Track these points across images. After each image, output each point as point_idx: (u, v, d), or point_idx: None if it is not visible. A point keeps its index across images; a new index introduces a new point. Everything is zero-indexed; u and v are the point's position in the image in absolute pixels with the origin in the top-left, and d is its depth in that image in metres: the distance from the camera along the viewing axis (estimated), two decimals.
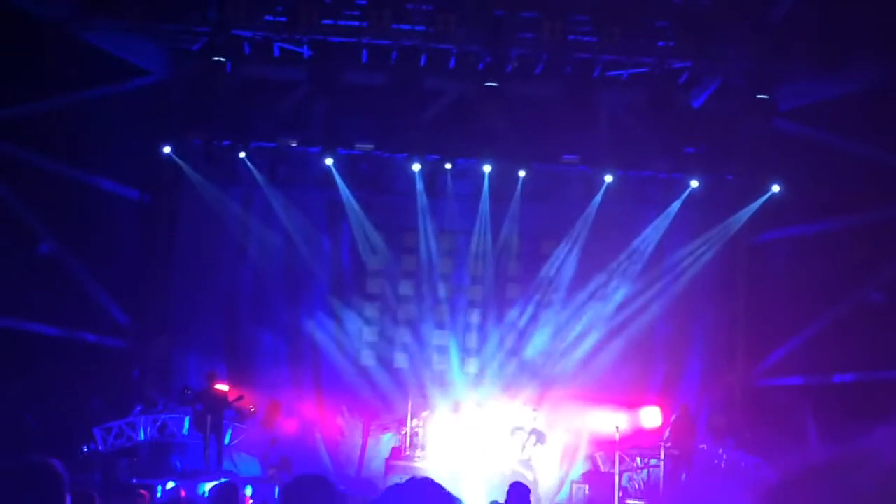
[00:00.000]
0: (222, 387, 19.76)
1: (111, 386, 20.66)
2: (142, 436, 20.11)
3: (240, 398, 19.87)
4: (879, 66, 19.26)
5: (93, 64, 19.97)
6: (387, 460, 19.91)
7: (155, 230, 22.04)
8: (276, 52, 20.95)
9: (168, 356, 21.28)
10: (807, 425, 19.85)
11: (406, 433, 20.02)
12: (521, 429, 20.08)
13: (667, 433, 20.20)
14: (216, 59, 20.26)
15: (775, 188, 21.37)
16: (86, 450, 19.47)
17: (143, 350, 21.34)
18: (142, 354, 21.40)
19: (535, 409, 20.49)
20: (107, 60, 20.33)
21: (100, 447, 19.57)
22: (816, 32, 19.48)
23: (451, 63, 20.82)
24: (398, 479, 18.91)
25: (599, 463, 21.04)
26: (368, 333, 22.37)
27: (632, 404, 21.42)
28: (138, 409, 20.49)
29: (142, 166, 21.66)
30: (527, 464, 19.72)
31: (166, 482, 18.12)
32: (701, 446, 20.27)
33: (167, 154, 21.29)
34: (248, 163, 21.54)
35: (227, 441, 19.81)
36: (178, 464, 19.76)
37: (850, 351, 19.88)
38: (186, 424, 19.90)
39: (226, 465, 19.59)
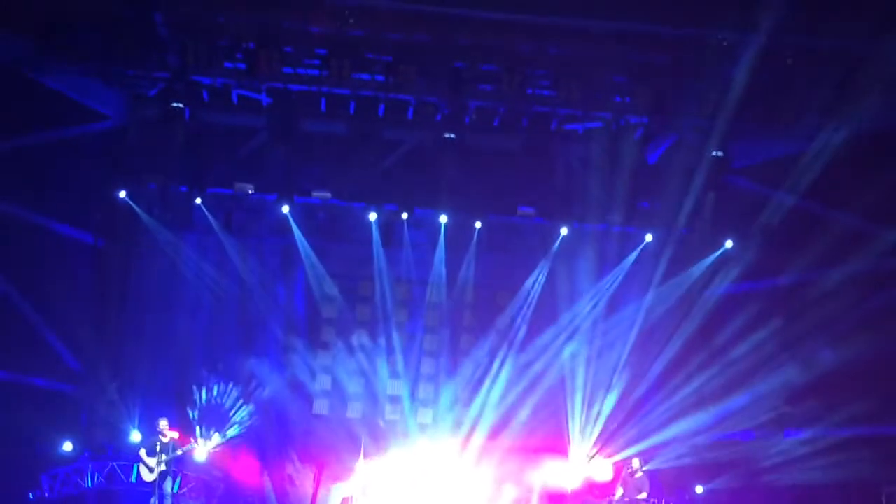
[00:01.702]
0: (172, 433, 19.55)
1: (60, 431, 20.37)
2: (89, 483, 19.79)
3: (190, 446, 19.67)
4: (831, 126, 19.54)
5: (49, 107, 19.96)
6: None
7: (109, 275, 21.79)
8: (235, 99, 20.97)
9: (118, 402, 20.99)
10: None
11: (357, 483, 19.87)
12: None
13: (618, 487, 20.23)
14: (174, 104, 20.31)
15: (728, 244, 21.55)
16: (32, 497, 19.20)
17: (93, 396, 21.02)
18: (92, 399, 21.08)
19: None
20: (63, 104, 20.32)
21: (46, 493, 19.27)
22: (770, 91, 19.78)
23: (410, 113, 20.95)
24: None
25: None
26: (321, 382, 22.24)
27: (584, 457, 21.41)
28: (86, 455, 20.22)
29: (97, 210, 21.52)
30: None
31: None
32: (652, 501, 20.24)
33: (122, 199, 21.14)
34: (204, 209, 21.45)
35: (175, 489, 19.54)
36: None
37: (800, 407, 20.09)
38: (135, 472, 19.60)
39: None
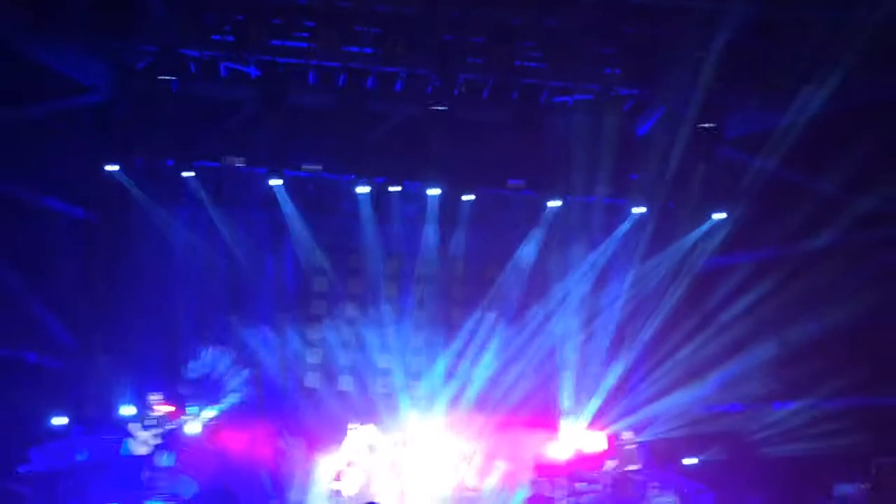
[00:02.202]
0: (164, 407, 19.60)
1: (51, 405, 20.36)
2: (80, 457, 19.83)
3: (182, 419, 19.72)
4: (824, 97, 19.50)
5: (36, 80, 19.74)
6: (330, 483, 19.79)
7: (99, 249, 21.75)
8: (223, 72, 20.88)
9: (109, 376, 20.97)
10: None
11: (347, 455, 19.92)
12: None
13: (610, 458, 20.33)
14: (162, 77, 20.20)
15: (717, 215, 21.56)
16: (22, 471, 19.20)
17: (84, 370, 21.01)
18: (83, 374, 21.06)
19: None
20: (50, 77, 20.10)
21: (36, 467, 19.28)
22: (761, 61, 19.73)
23: (399, 86, 20.87)
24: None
25: (542, 488, 21.03)
26: (312, 355, 22.28)
27: (575, 429, 21.49)
28: (78, 429, 20.23)
29: (86, 184, 21.39)
30: (469, 488, 19.71)
31: None
32: (644, 472, 20.33)
33: (111, 172, 21.08)
34: (193, 182, 21.42)
35: (168, 462, 19.57)
36: (117, 485, 19.50)
37: (790, 378, 20.15)
38: (127, 446, 19.63)
39: (168, 486, 19.36)
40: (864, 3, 17.69)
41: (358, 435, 20.12)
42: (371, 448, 20.09)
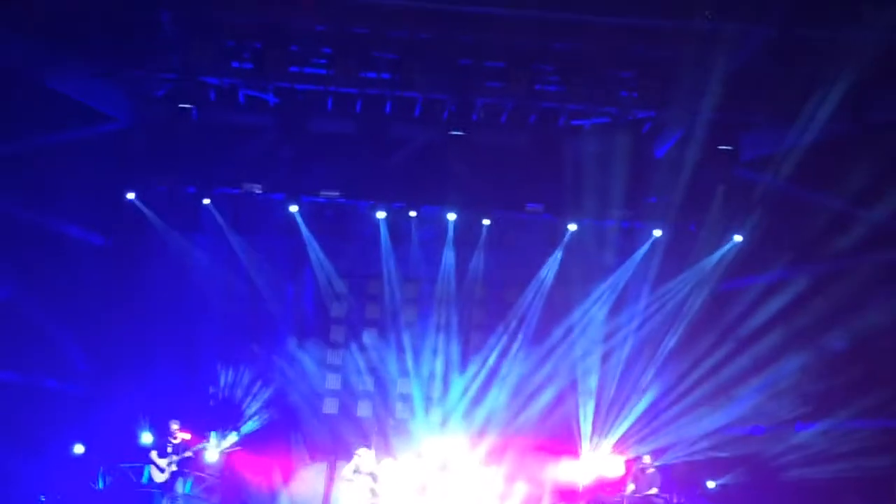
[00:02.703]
0: (183, 434, 19.61)
1: (71, 433, 20.41)
2: (101, 484, 19.86)
3: (201, 446, 19.73)
4: (842, 118, 19.49)
5: (56, 109, 19.91)
6: None
7: (118, 276, 21.81)
8: (242, 99, 20.97)
9: (129, 403, 20.98)
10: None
11: (368, 482, 19.85)
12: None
13: (630, 483, 20.23)
14: (181, 105, 20.33)
15: (738, 238, 21.50)
16: (43, 499, 19.24)
17: (104, 397, 21.03)
18: (103, 401, 21.08)
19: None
20: (70, 106, 20.27)
21: (57, 496, 19.30)
22: (776, 83, 19.72)
23: (417, 111, 20.90)
24: None
25: None
26: (331, 381, 22.24)
27: (595, 454, 21.41)
28: (97, 456, 20.24)
29: (106, 212, 21.55)
30: None
31: None
32: (663, 496, 20.21)
33: (131, 200, 21.18)
34: (212, 209, 21.48)
35: (187, 490, 19.57)
36: None
37: (813, 398, 20.06)
38: (146, 473, 19.65)
39: None
40: (870, 23, 17.69)
41: (379, 462, 20.03)
42: (391, 476, 19.99)
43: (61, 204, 20.33)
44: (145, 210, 21.37)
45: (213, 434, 20.59)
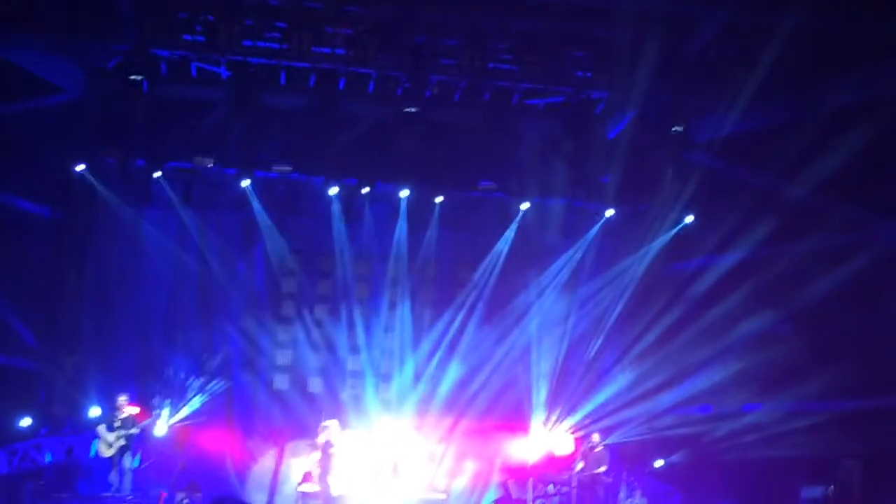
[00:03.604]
0: (132, 409, 19.49)
1: (18, 407, 20.24)
2: (48, 458, 19.71)
3: (149, 421, 19.62)
4: (791, 102, 19.64)
5: (5, 80, 19.64)
6: (298, 485, 19.73)
7: (67, 250, 21.62)
8: (194, 72, 20.77)
9: (77, 377, 20.83)
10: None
11: (318, 458, 19.86)
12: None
13: (579, 461, 20.37)
14: (132, 77, 20.10)
15: (688, 219, 21.64)
16: None
17: (51, 371, 20.86)
18: (50, 375, 20.91)
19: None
20: (20, 77, 19.99)
21: (3, 469, 19.16)
22: (730, 67, 19.83)
23: (371, 87, 20.82)
24: None
25: (511, 490, 21.08)
26: (282, 357, 22.20)
27: (544, 431, 21.54)
28: (44, 430, 20.12)
29: (55, 185, 21.31)
30: (438, 490, 19.70)
31: None
32: (612, 474, 20.38)
33: (81, 173, 20.93)
34: (164, 183, 21.30)
35: (135, 464, 19.47)
36: (84, 487, 19.40)
37: (758, 382, 20.27)
38: (94, 447, 19.53)
39: (134, 488, 19.26)
40: (826, 9, 17.82)
41: (328, 434, 20.00)
42: (340, 452, 19.98)
43: (10, 176, 20.09)
44: (95, 183, 21.11)
45: (161, 408, 20.43)
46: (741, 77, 19.51)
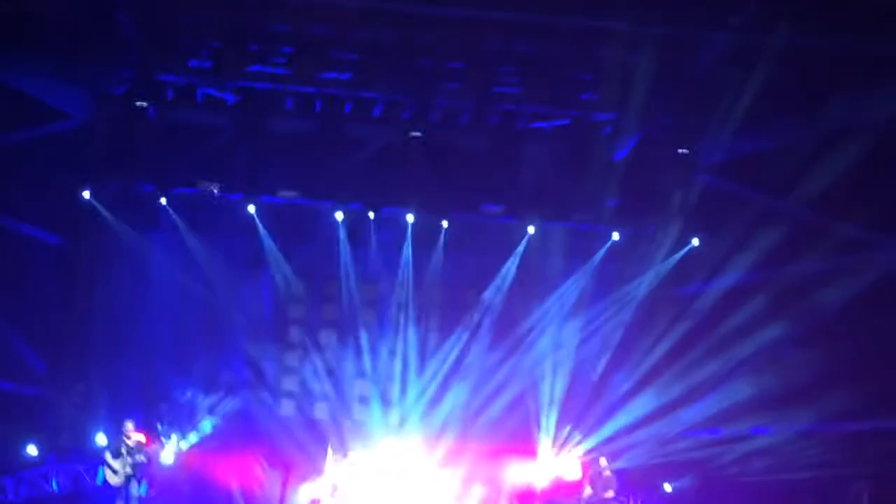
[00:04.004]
0: (138, 436, 19.43)
1: (25, 434, 20.23)
2: (54, 486, 19.69)
3: (156, 448, 19.58)
4: (799, 124, 19.60)
5: (12, 107, 19.72)
6: None
7: (74, 276, 21.64)
8: (200, 98, 20.81)
9: (84, 405, 20.80)
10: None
11: (325, 483, 19.82)
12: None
13: (587, 486, 20.29)
14: (138, 103, 20.17)
15: (695, 241, 21.58)
16: None
17: (58, 398, 20.83)
18: (58, 402, 20.89)
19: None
20: (26, 103, 20.07)
21: (9, 497, 19.13)
22: (738, 89, 19.80)
23: (376, 111, 20.84)
24: None
25: None
26: (288, 382, 22.17)
27: (552, 456, 21.46)
28: (51, 458, 20.10)
29: (61, 211, 21.29)
30: None
31: None
32: (620, 499, 20.30)
33: (87, 199, 20.96)
34: (169, 209, 21.31)
35: (142, 492, 19.41)
36: None
37: (767, 404, 20.18)
38: (100, 475, 19.48)
39: None
40: (830, 31, 17.80)
41: (337, 464, 19.99)
42: (348, 478, 19.95)
43: (15, 203, 20.13)
44: (101, 209, 21.13)
45: (168, 435, 20.40)
46: (745, 98, 19.49)
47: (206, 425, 21.11)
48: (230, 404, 21.47)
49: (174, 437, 20.36)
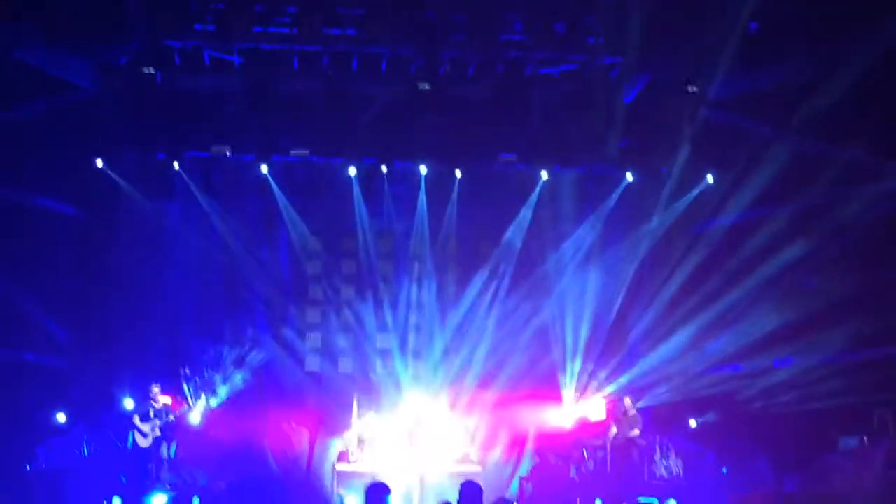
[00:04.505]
0: (165, 399, 19.64)
1: (53, 403, 20.41)
2: (85, 452, 19.90)
3: (183, 410, 19.78)
4: (809, 59, 19.49)
5: (22, 81, 19.74)
6: (334, 465, 19.84)
7: (92, 246, 21.73)
8: (207, 62, 20.83)
9: (109, 371, 20.95)
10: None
11: (352, 437, 19.97)
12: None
13: (612, 426, 20.40)
14: (146, 70, 20.20)
15: (709, 178, 21.58)
16: (29, 468, 19.25)
17: (83, 366, 21.00)
18: (82, 371, 21.05)
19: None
20: (37, 77, 20.08)
21: (43, 465, 19.34)
22: (742, 24, 19.70)
23: (384, 67, 20.82)
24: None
25: (547, 458, 21.13)
26: (311, 339, 22.32)
27: (576, 398, 21.57)
28: (80, 425, 20.28)
29: (77, 183, 21.38)
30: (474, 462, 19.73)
31: (112, 498, 17.97)
32: (646, 437, 20.42)
33: (100, 168, 21.06)
34: (183, 174, 21.40)
35: (171, 453, 19.63)
36: (123, 479, 19.55)
37: (788, 336, 20.22)
38: (130, 439, 19.68)
39: (172, 477, 19.42)
40: None
41: (362, 419, 20.15)
42: (374, 430, 20.10)
43: (31, 176, 20.20)
44: (116, 178, 21.24)
45: (195, 397, 20.59)
46: (758, 35, 19.38)
47: (232, 384, 21.26)
48: (255, 363, 21.61)
49: (201, 397, 20.54)
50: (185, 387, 20.75)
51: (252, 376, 21.48)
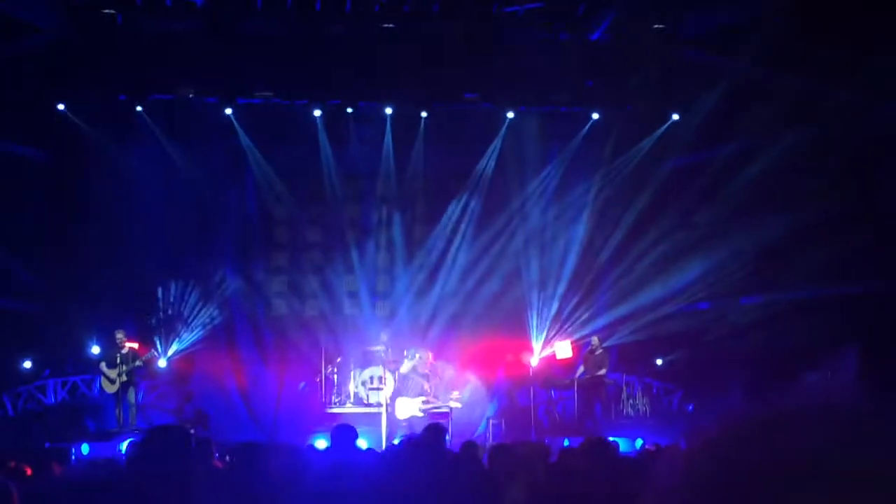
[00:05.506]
0: (132, 344, 19.59)
1: (19, 349, 20.35)
2: (52, 399, 19.90)
3: (151, 355, 19.75)
4: None
5: None
6: (303, 408, 19.89)
7: (57, 190, 21.61)
8: (168, 2, 20.54)
9: (77, 317, 20.87)
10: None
11: (321, 380, 20.01)
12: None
13: (580, 364, 20.47)
14: (106, 11, 19.92)
15: (675, 116, 21.49)
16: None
17: (50, 312, 20.90)
18: (49, 317, 20.95)
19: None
20: None
21: (9, 413, 19.35)
22: None
23: (348, 6, 20.56)
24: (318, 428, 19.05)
25: (514, 398, 21.23)
26: (278, 283, 22.29)
27: (544, 338, 21.61)
28: (47, 372, 20.27)
29: (42, 127, 21.14)
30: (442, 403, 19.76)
31: (80, 444, 17.96)
32: (614, 376, 20.51)
33: (63, 112, 20.83)
34: (146, 117, 21.18)
35: (138, 399, 19.63)
36: (91, 425, 19.58)
37: (754, 273, 20.26)
38: (97, 384, 19.69)
39: (140, 422, 19.44)
40: None
41: (329, 360, 20.16)
42: (341, 371, 20.14)
43: None
44: (79, 122, 21.00)
45: (161, 341, 20.58)
46: None
47: (199, 329, 21.24)
48: (222, 306, 21.57)
49: (167, 342, 20.52)
50: (152, 331, 20.74)
51: (219, 320, 21.45)
